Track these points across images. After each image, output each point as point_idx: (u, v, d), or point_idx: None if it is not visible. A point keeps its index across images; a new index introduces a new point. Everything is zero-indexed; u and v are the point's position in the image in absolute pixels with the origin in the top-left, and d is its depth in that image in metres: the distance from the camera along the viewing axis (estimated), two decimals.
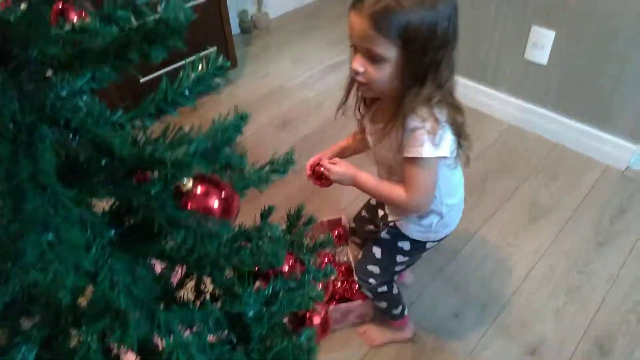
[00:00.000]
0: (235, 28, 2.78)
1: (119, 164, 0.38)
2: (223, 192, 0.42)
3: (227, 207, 0.42)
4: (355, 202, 1.67)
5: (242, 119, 0.51)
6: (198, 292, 0.71)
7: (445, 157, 0.94)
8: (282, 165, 0.50)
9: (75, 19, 0.53)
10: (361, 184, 1.04)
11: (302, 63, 2.58)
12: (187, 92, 0.44)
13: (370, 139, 1.10)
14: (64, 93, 0.40)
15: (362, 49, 0.89)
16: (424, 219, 1.12)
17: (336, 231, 1.55)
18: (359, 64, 0.90)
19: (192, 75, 0.45)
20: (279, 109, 2.26)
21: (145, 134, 0.43)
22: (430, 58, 0.87)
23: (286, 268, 0.70)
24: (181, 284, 0.69)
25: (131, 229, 0.42)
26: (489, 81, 2.12)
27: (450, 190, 1.11)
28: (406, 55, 0.87)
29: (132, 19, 0.37)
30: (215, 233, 0.39)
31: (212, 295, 0.71)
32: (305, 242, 0.73)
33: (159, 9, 0.41)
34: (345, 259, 1.49)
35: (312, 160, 1.13)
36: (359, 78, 0.92)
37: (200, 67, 0.46)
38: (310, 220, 0.75)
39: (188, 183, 0.41)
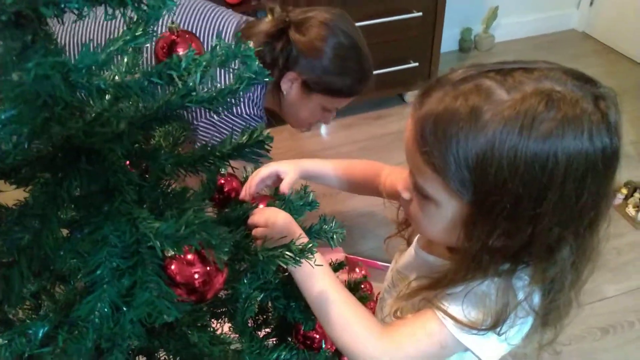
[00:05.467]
0: (454, 45, 2.69)
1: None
2: (207, 267, 0.43)
3: (207, 281, 0.43)
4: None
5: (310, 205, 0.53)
6: None
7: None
8: (298, 252, 0.47)
9: (181, 51, 0.57)
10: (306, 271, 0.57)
11: None
12: (223, 156, 0.45)
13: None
14: None
15: (411, 169, 0.57)
16: None
17: None
18: (404, 187, 0.58)
19: (234, 143, 0.46)
20: None
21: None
22: (532, 234, 0.49)
23: None
24: None
25: None
26: None
27: None
28: (477, 211, 0.50)
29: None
30: (166, 311, 0.40)
31: None
32: None
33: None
34: None
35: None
36: (404, 206, 0.61)
37: (244, 138, 0.46)
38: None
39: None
